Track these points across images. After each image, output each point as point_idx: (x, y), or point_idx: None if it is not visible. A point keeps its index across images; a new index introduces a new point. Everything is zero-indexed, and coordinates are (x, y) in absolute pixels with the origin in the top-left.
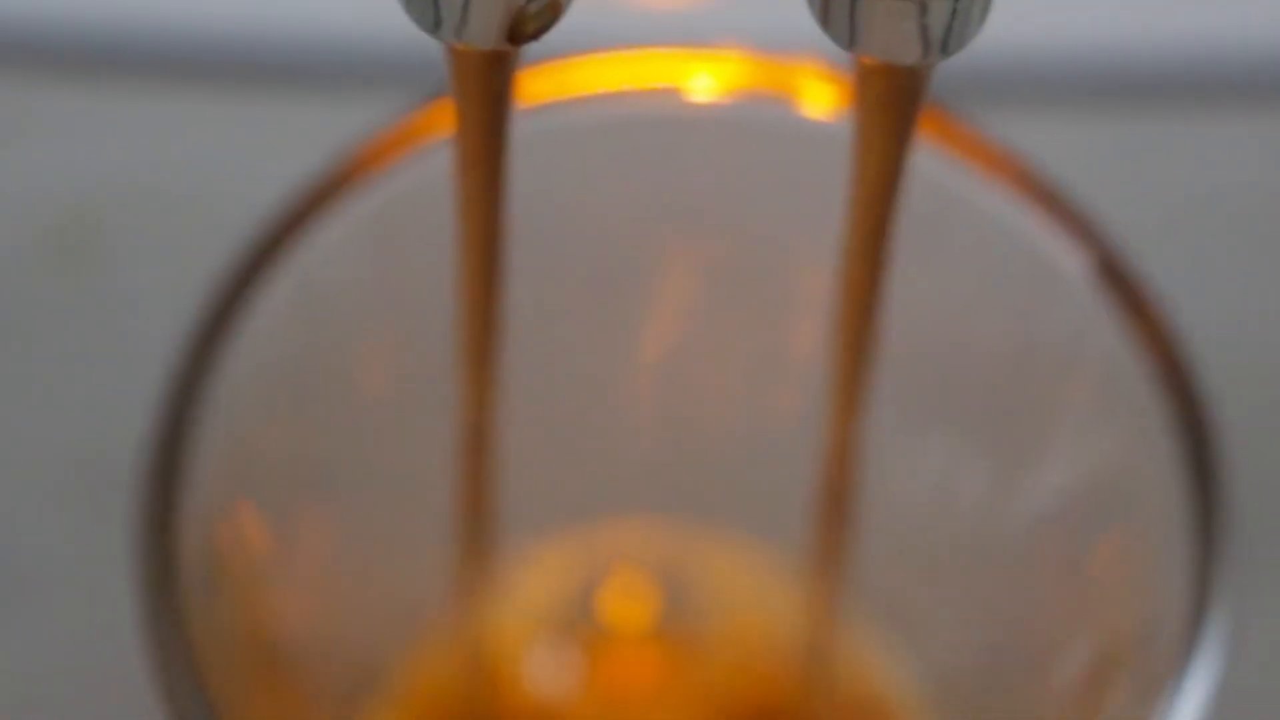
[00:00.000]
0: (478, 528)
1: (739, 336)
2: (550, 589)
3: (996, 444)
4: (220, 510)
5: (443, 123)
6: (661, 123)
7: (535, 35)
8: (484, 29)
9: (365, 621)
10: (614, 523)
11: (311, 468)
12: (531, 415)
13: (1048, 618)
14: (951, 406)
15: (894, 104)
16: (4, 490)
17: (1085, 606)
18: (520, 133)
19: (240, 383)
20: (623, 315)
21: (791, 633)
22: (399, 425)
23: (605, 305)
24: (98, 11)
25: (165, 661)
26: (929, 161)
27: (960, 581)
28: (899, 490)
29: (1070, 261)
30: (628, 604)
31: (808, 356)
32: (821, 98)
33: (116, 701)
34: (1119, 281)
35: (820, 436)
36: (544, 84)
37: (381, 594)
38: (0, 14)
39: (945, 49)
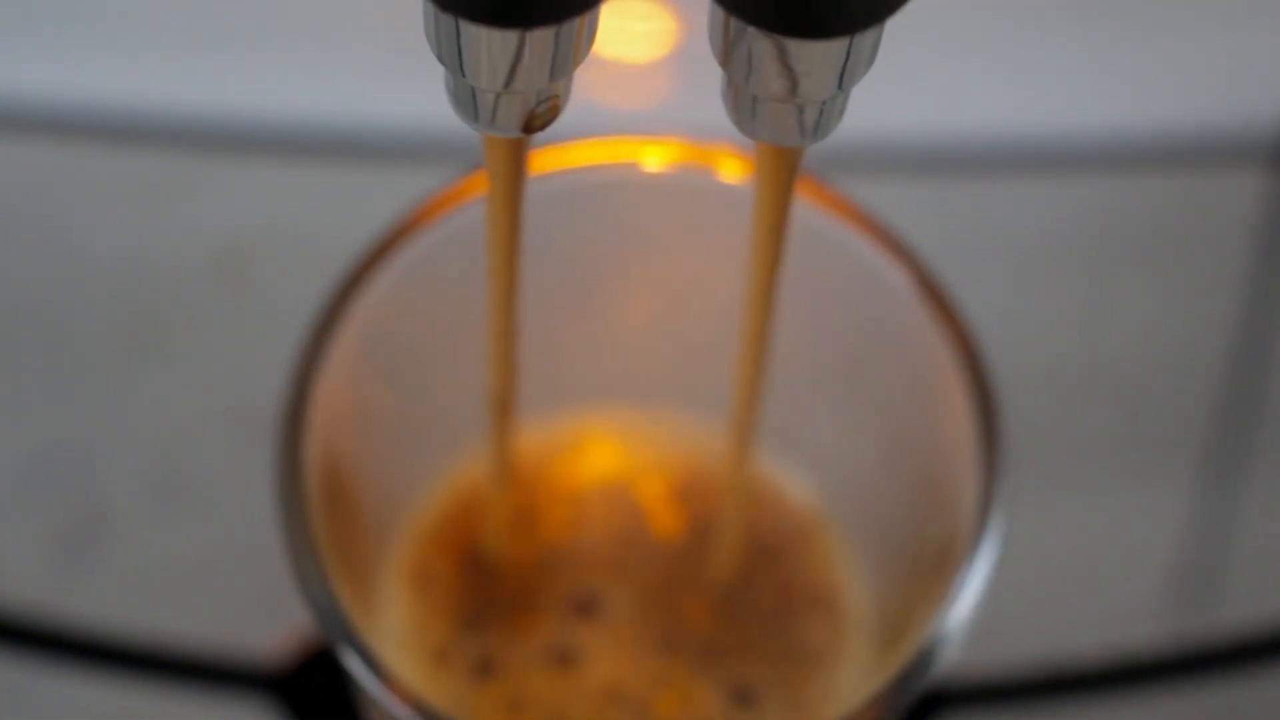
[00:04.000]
0: (500, 442)
1: (673, 320)
2: (552, 442)
3: (851, 387)
4: (324, 433)
5: (479, 186)
6: (625, 185)
7: (542, 127)
8: (507, 123)
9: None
10: (591, 406)
11: (386, 410)
12: (540, 358)
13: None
14: (823, 362)
15: (781, 173)
16: (185, 430)
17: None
18: (536, 190)
19: (340, 357)
20: (599, 305)
21: (719, 462)
22: (447, 379)
23: (588, 300)
24: (253, 106)
25: (296, 544)
26: (805, 211)
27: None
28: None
29: (899, 277)
30: (605, 448)
31: (718, 332)
32: (733, 169)
33: (260, 573)
34: (931, 292)
35: (732, 376)
36: (548, 160)
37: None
38: (187, 103)
39: (815, 136)
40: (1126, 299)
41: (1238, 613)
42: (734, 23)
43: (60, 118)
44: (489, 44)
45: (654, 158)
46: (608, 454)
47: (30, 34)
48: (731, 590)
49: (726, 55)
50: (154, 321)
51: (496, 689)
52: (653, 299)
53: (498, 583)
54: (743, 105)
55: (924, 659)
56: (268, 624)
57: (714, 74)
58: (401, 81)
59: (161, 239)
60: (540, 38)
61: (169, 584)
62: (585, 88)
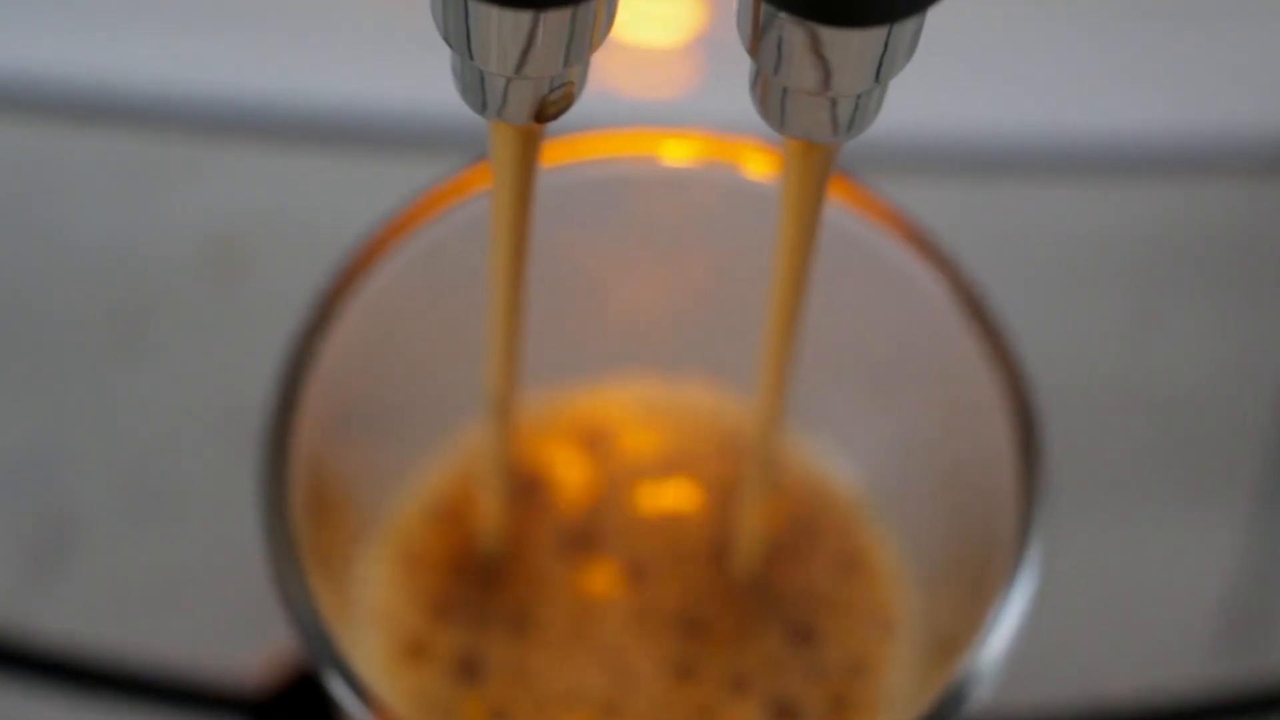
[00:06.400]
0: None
1: (689, 327)
2: (559, 435)
3: (882, 401)
4: (313, 439)
5: (484, 178)
6: (643, 180)
7: (555, 116)
8: (517, 110)
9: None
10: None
11: (380, 416)
12: (542, 361)
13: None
14: (850, 375)
15: (811, 171)
16: (165, 434)
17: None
18: (546, 183)
19: (332, 359)
20: (611, 308)
21: (742, 462)
22: (446, 383)
23: (600, 303)
24: (245, 91)
25: (280, 561)
26: (835, 212)
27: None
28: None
29: (935, 286)
30: (615, 440)
31: (738, 340)
32: (760, 165)
33: (242, 589)
34: (970, 302)
35: (755, 386)
36: (560, 151)
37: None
38: (175, 89)
39: (850, 132)
40: (1178, 312)
41: None
42: (764, 8)
43: (38, 96)
44: (500, 25)
45: (675, 151)
46: (617, 448)
47: (6, 6)
48: (765, 597)
49: (755, 43)
50: (135, 316)
51: (479, 693)
52: (669, 304)
53: (491, 579)
54: (772, 98)
55: (955, 696)
56: (248, 643)
57: (741, 63)
58: (405, 64)
59: (145, 228)
60: (555, 19)
61: (143, 599)
62: (602, 74)
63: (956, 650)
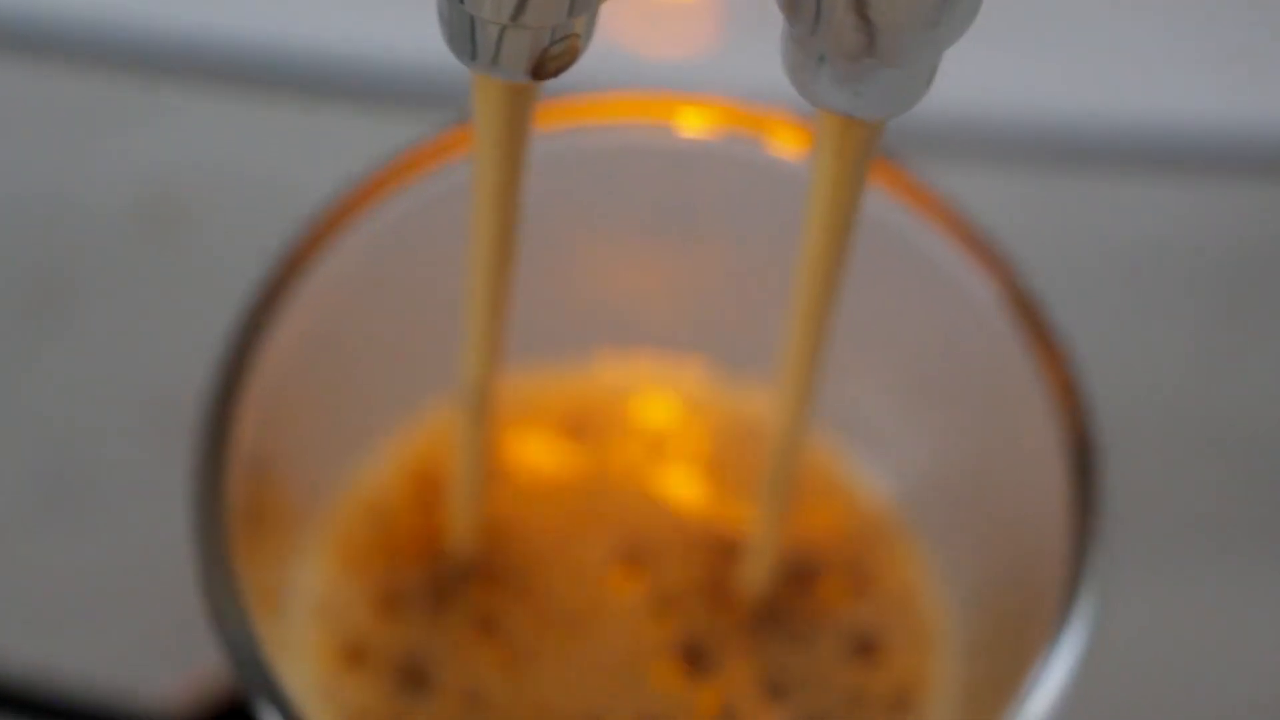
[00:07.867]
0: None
1: (698, 304)
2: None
3: (921, 414)
4: (256, 431)
5: (467, 143)
6: (653, 151)
7: (555, 73)
8: (512, 64)
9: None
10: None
11: (336, 407)
12: (553, 332)
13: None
14: (887, 384)
15: (848, 151)
16: (91, 417)
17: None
18: (540, 151)
19: (283, 339)
20: (613, 299)
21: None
22: (414, 368)
23: (601, 293)
24: (193, 27)
25: (212, 571)
26: (874, 200)
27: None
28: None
29: (985, 290)
30: (632, 406)
31: (758, 342)
32: (789, 140)
33: (167, 600)
34: (1024, 310)
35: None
36: (558, 114)
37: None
38: (112, 22)
39: (895, 108)
40: (1262, 332)
41: None
42: None
43: None
44: None
45: (691, 121)
46: (607, 437)
47: None
48: (772, 617)
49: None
50: (56, 279)
51: (429, 708)
52: (678, 293)
53: (451, 579)
54: (806, 64)
55: None
56: (174, 660)
57: (772, 20)
58: (383, 4)
59: (73, 178)
60: None
61: (54, 609)
62: (611, 27)
63: (994, 708)
